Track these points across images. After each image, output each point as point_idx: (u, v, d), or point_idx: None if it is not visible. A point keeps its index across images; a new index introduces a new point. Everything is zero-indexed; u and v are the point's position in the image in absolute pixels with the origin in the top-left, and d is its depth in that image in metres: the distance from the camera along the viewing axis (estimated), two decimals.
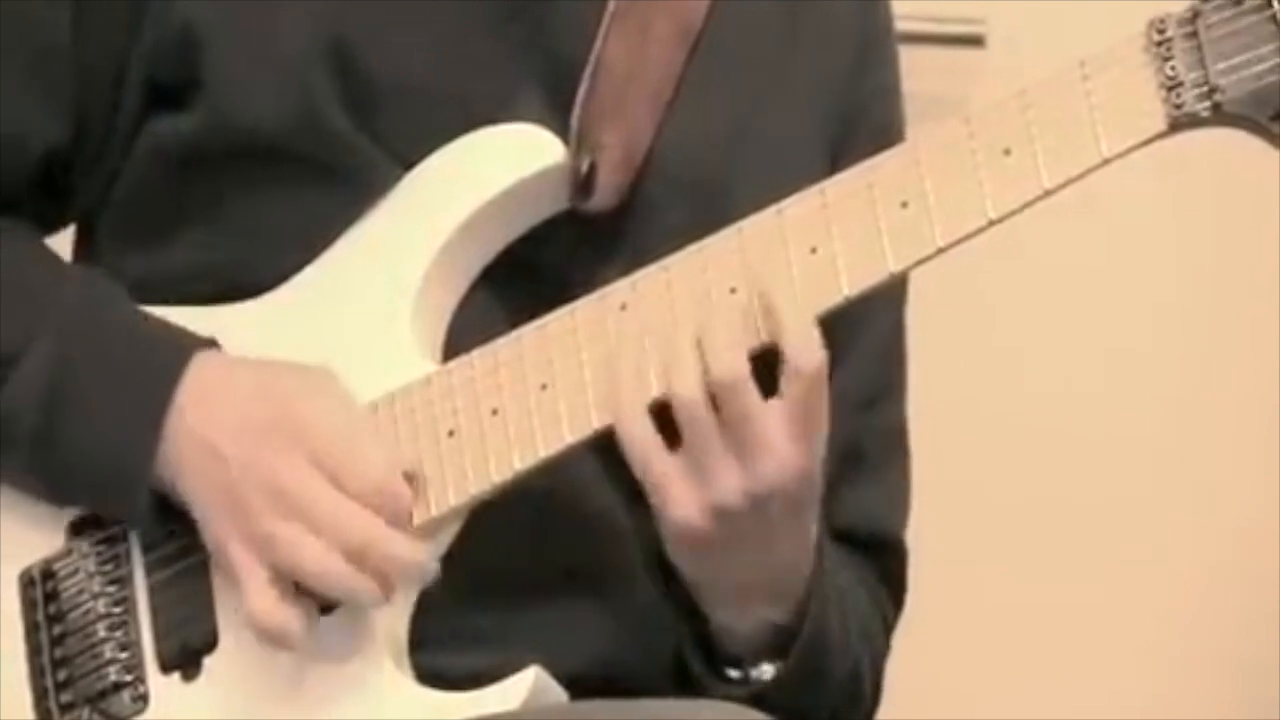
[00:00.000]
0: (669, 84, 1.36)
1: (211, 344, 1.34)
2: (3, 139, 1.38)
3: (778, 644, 1.32)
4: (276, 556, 1.27)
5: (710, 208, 1.35)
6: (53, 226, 1.44)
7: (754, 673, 1.33)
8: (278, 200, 1.35)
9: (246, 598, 1.28)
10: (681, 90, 1.37)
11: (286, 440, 1.28)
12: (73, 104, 1.39)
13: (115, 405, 1.32)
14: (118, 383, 1.33)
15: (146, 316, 1.36)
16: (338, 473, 1.27)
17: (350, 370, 1.33)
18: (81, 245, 1.45)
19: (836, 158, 1.39)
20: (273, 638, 1.28)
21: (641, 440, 1.24)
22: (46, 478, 1.34)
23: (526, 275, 1.34)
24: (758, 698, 1.31)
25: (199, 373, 1.32)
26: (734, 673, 1.33)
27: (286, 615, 1.27)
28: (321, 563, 1.26)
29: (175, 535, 1.33)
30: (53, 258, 1.41)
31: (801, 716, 1.33)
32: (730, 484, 1.23)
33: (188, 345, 1.33)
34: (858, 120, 1.43)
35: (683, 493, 1.24)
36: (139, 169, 1.39)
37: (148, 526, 1.33)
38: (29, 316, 1.35)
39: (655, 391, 1.25)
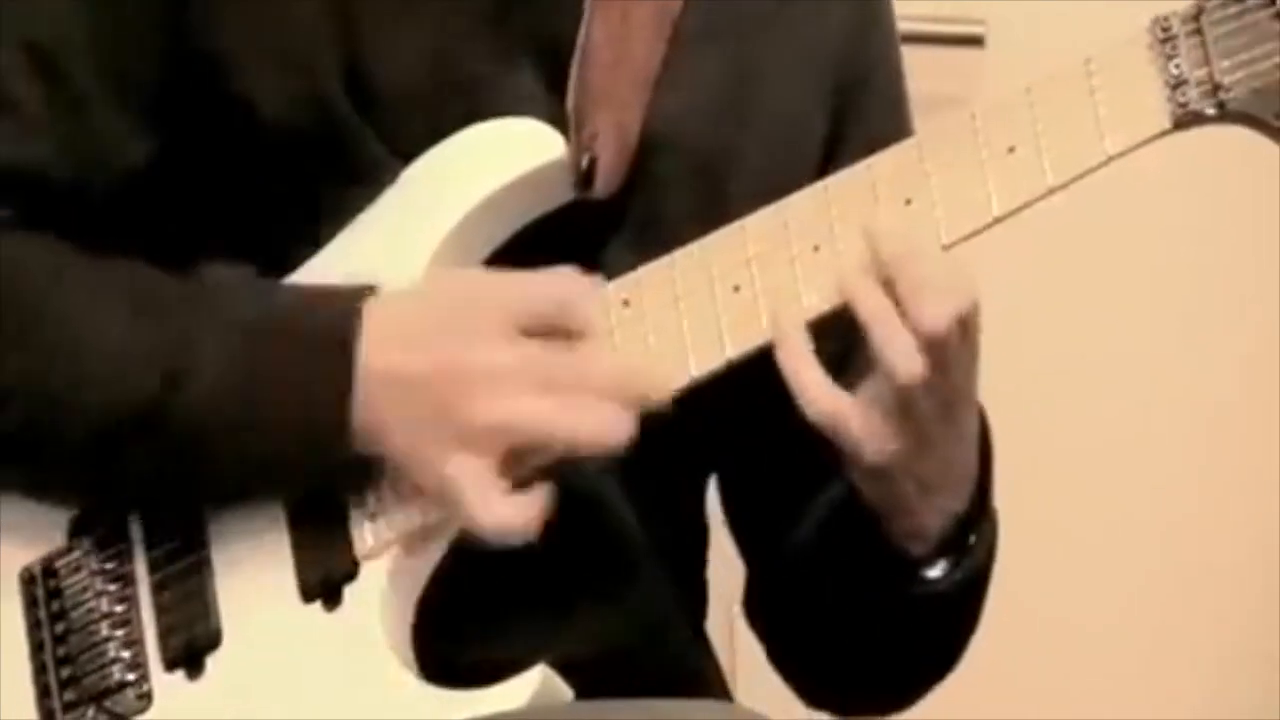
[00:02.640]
0: (654, 65, 1.38)
1: (371, 290, 1.31)
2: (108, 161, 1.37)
3: (956, 537, 1.34)
4: (508, 435, 1.25)
5: (715, 178, 1.38)
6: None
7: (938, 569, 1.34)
8: (281, 195, 1.36)
9: (477, 510, 1.25)
10: (673, 66, 1.38)
11: (464, 328, 1.27)
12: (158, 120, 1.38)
13: (303, 380, 1.30)
14: (300, 357, 1.30)
15: (297, 288, 1.35)
16: (519, 316, 1.27)
17: None
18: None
19: (840, 123, 1.42)
20: (516, 536, 1.26)
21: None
22: (247, 472, 1.32)
23: (529, 266, 1.34)
24: (946, 595, 1.35)
25: (373, 323, 1.29)
26: (933, 571, 1.34)
27: (522, 510, 1.26)
28: (545, 418, 1.25)
29: (179, 532, 1.34)
30: (161, 271, 1.38)
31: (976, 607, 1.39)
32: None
33: (353, 301, 1.30)
34: (860, 83, 1.44)
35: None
36: (171, 182, 1.39)
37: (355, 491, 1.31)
38: (180, 324, 1.32)
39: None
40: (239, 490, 1.32)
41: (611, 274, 1.32)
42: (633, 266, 1.31)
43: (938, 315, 1.23)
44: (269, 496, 1.32)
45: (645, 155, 1.37)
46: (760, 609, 1.48)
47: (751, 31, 1.42)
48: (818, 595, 1.41)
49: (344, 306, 1.30)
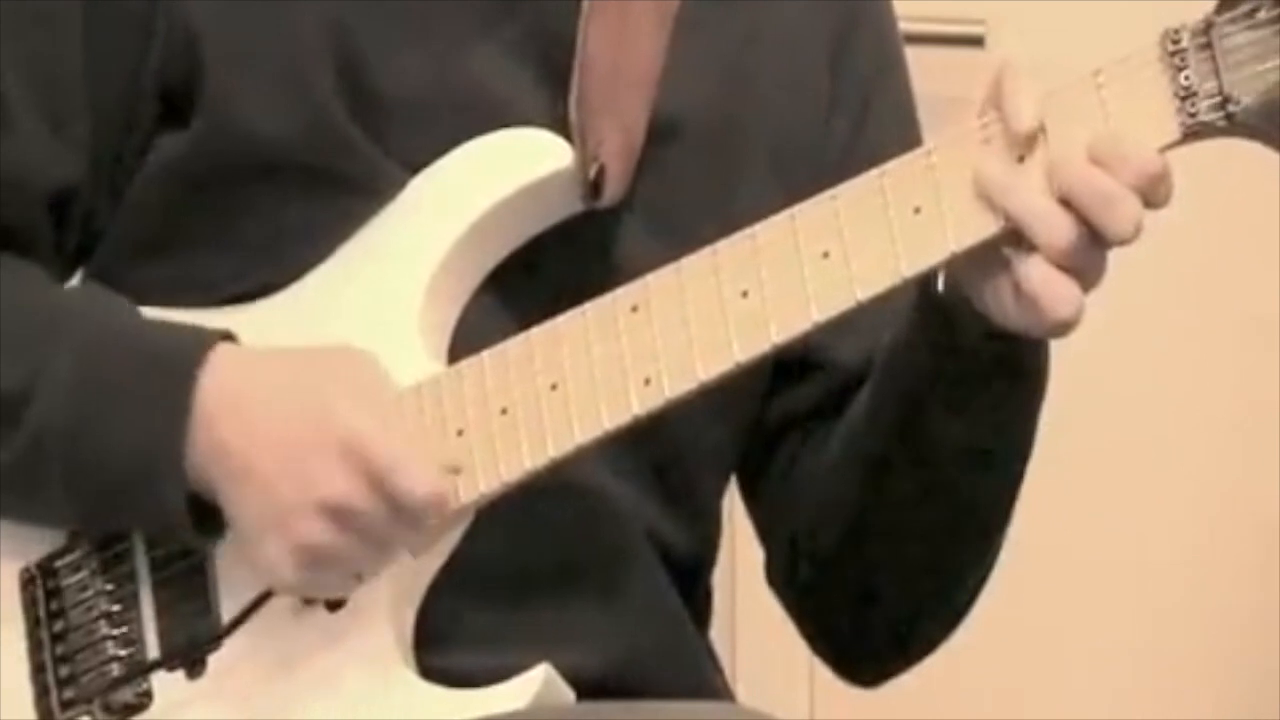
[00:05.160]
0: (656, 66, 1.38)
1: (227, 337, 1.34)
2: (10, 180, 1.38)
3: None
4: (324, 564, 1.30)
5: (723, 158, 1.40)
6: (79, 258, 1.44)
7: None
8: (285, 207, 1.37)
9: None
10: (673, 51, 1.38)
11: (332, 456, 1.29)
12: (86, 137, 1.40)
13: (136, 414, 1.33)
14: (136, 390, 1.33)
15: (155, 321, 1.37)
16: (388, 489, 1.29)
17: None
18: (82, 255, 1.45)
19: (836, 74, 1.44)
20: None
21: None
22: (82, 499, 1.35)
23: (538, 274, 1.37)
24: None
25: (218, 371, 1.32)
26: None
27: None
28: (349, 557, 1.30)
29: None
30: (51, 284, 1.41)
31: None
32: None
33: (202, 342, 1.33)
34: (848, 29, 1.47)
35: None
36: (147, 183, 1.40)
37: (191, 536, 1.33)
38: (37, 343, 1.35)
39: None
40: (69, 517, 1.36)
41: (629, 267, 1.33)
42: (649, 257, 1.33)
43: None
44: (97, 528, 1.36)
45: (652, 145, 1.38)
46: (792, 562, 1.47)
47: (744, 16, 1.43)
48: (862, 499, 1.41)
49: (191, 344, 1.33)
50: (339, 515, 1.28)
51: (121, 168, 1.40)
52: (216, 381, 1.31)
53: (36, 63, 1.39)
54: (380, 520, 1.28)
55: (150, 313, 1.38)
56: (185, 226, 1.39)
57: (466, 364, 1.33)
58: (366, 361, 1.32)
